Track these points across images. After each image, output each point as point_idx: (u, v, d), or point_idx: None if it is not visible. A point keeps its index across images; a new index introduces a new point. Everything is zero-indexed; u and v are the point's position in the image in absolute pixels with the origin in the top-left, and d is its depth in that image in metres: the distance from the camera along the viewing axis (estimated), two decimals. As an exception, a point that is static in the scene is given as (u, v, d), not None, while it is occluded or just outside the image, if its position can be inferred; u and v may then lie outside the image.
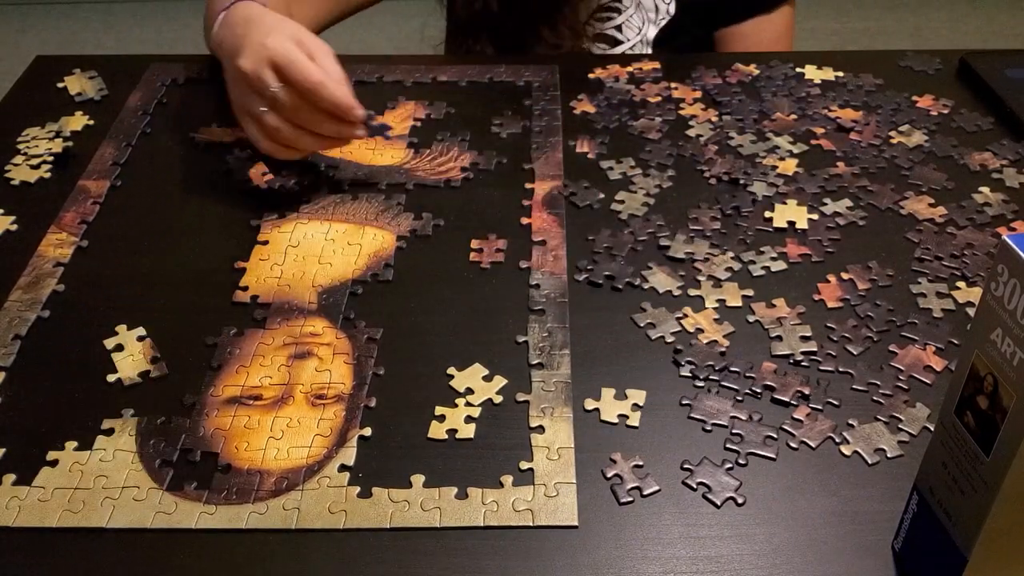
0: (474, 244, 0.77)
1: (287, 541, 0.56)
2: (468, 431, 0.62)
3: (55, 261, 0.75)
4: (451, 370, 0.66)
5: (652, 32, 1.07)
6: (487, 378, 0.65)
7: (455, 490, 0.58)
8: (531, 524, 0.56)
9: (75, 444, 0.61)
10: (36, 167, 0.86)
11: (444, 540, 0.56)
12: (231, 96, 0.81)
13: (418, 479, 0.59)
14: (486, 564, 0.54)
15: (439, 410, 0.63)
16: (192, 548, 0.56)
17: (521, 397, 0.64)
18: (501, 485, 0.59)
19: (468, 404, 0.64)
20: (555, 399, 0.64)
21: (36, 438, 0.61)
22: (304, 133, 0.77)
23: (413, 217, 0.80)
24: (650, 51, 1.07)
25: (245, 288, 0.73)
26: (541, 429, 0.62)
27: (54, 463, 0.60)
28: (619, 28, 1.06)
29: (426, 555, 0.55)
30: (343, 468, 0.60)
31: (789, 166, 0.85)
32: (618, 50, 1.07)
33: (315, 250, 0.76)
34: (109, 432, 0.62)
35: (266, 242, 0.77)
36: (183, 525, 0.56)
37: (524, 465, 0.60)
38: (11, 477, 0.59)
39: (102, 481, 0.59)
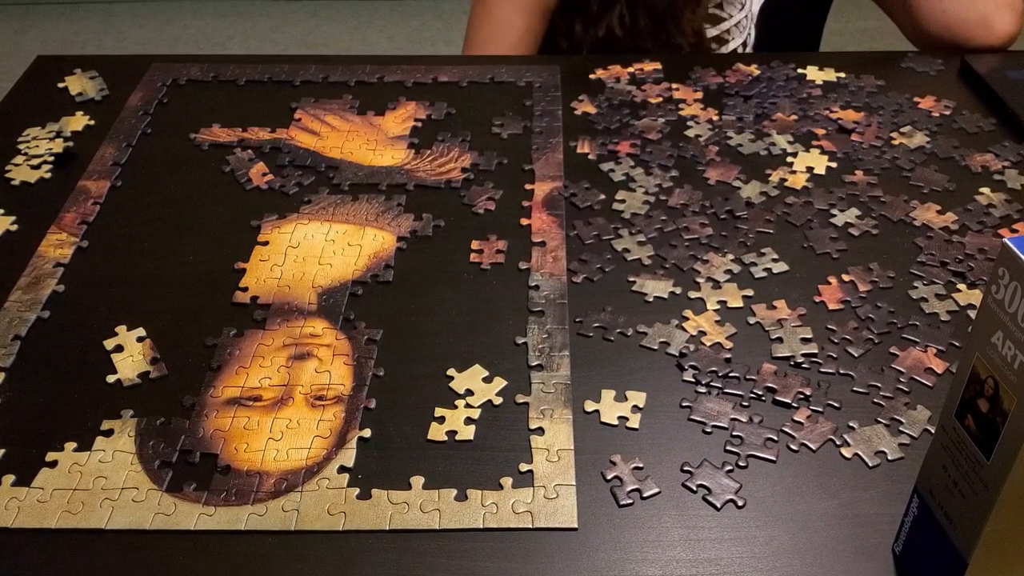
0: (474, 245, 0.77)
1: (286, 542, 0.56)
2: (468, 433, 0.62)
3: (55, 261, 0.75)
4: (451, 371, 0.66)
5: (756, 5, 1.07)
6: (487, 379, 0.65)
7: (454, 492, 0.58)
8: (531, 526, 0.56)
9: (74, 445, 0.61)
10: (36, 167, 0.86)
11: (443, 542, 0.56)
12: None
13: (417, 481, 0.59)
14: (485, 566, 0.54)
15: (439, 411, 0.63)
16: (191, 549, 0.55)
17: (521, 399, 0.64)
18: (500, 487, 0.58)
19: (468, 406, 0.63)
20: (555, 401, 0.64)
21: (35, 439, 0.61)
22: None
23: (413, 218, 0.80)
24: (753, 28, 1.06)
25: (245, 289, 0.73)
26: (541, 431, 0.62)
27: (53, 464, 0.60)
28: (720, 6, 1.06)
29: (425, 556, 0.55)
30: (342, 469, 0.59)
31: (799, 180, 0.85)
32: (724, 26, 1.06)
33: (315, 251, 0.76)
34: (108, 433, 0.62)
35: (266, 243, 0.77)
36: (182, 526, 0.56)
37: (524, 467, 0.60)
38: (10, 478, 0.59)
39: (101, 482, 0.59)
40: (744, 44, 1.08)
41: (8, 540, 0.56)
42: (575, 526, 0.56)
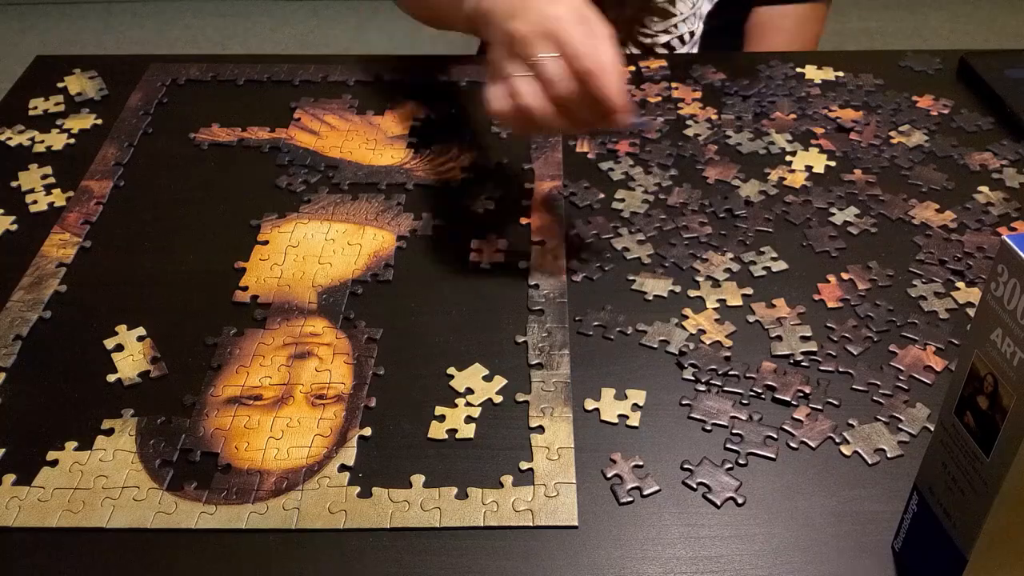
0: (474, 244, 0.77)
1: (287, 541, 0.56)
2: (468, 431, 0.62)
3: (58, 261, 0.75)
4: (451, 370, 0.66)
5: (706, 7, 1.07)
6: (487, 378, 0.65)
7: (455, 490, 0.58)
8: (531, 524, 0.56)
9: (75, 444, 0.61)
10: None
11: (444, 540, 0.56)
12: (490, 59, 0.72)
13: (418, 479, 0.59)
14: (486, 564, 0.54)
15: (439, 410, 0.63)
16: (192, 548, 0.56)
17: (521, 397, 0.64)
18: (501, 485, 0.59)
19: (468, 404, 0.64)
20: (555, 399, 0.64)
21: (36, 438, 0.61)
22: (553, 111, 0.67)
23: (413, 217, 0.80)
24: (701, 26, 1.06)
25: (245, 288, 0.73)
26: (541, 429, 0.62)
27: (54, 463, 0.60)
28: (672, 2, 1.06)
29: (426, 555, 0.55)
30: (343, 468, 0.60)
31: (798, 179, 0.85)
32: (671, 22, 1.05)
33: (315, 250, 0.76)
34: (109, 432, 0.62)
35: (266, 242, 0.77)
36: (183, 525, 0.56)
37: (524, 465, 0.60)
38: (11, 477, 0.59)
39: (102, 481, 0.59)
40: (689, 35, 1.08)
41: (9, 539, 0.56)
42: (575, 524, 0.56)
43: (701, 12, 1.07)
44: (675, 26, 1.06)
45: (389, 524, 0.57)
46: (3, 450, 0.61)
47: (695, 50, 1.09)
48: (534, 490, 0.58)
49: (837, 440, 0.61)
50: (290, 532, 0.56)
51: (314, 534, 0.56)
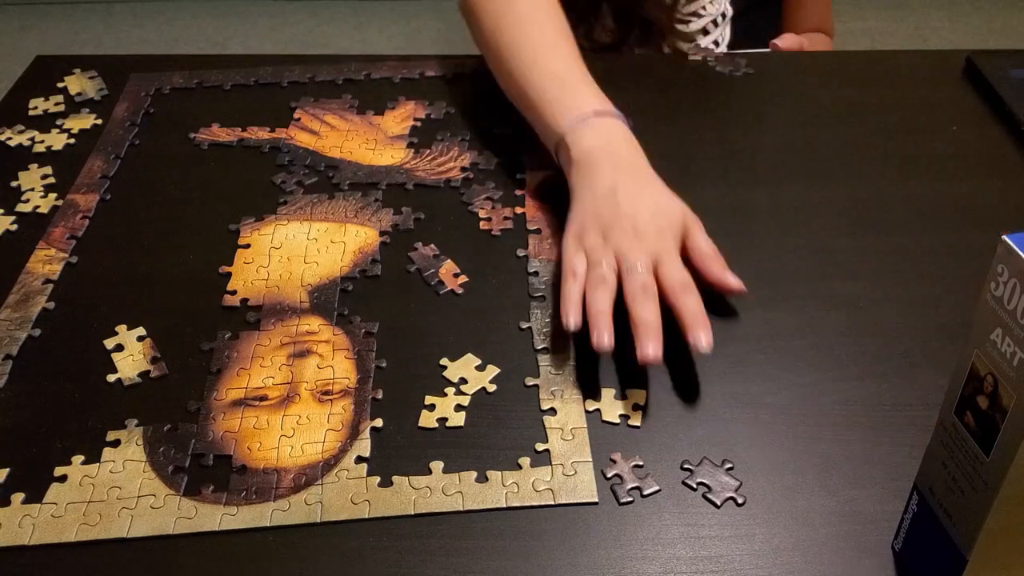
0: (482, 213, 0.78)
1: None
2: (479, 417, 0.62)
3: (44, 278, 0.74)
4: (455, 359, 0.66)
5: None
6: (492, 364, 0.66)
7: (475, 474, 0.59)
8: (552, 503, 0.57)
9: (82, 458, 0.60)
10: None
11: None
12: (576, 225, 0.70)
13: (437, 465, 0.59)
14: (486, 565, 0.54)
15: (449, 397, 0.64)
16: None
17: (530, 381, 0.65)
18: (519, 467, 0.59)
19: (482, 391, 0.64)
20: (564, 381, 0.65)
21: (40, 455, 0.60)
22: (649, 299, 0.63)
23: (392, 212, 0.80)
24: (729, 9, 1.08)
25: (233, 292, 0.72)
26: (553, 411, 0.63)
27: (63, 478, 0.59)
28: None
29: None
30: (360, 460, 0.60)
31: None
32: (700, 3, 1.06)
33: (299, 250, 0.76)
34: (115, 444, 0.61)
35: (247, 245, 0.77)
36: (206, 528, 0.56)
37: (540, 447, 0.60)
38: (20, 496, 0.58)
39: (116, 492, 0.58)
40: (721, 17, 1.09)
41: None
42: (595, 500, 0.57)
43: (728, 10, 1.07)
44: (704, 7, 1.06)
45: (413, 510, 0.57)
46: (7, 470, 0.60)
47: (727, 31, 1.09)
48: (552, 470, 0.59)
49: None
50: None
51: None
